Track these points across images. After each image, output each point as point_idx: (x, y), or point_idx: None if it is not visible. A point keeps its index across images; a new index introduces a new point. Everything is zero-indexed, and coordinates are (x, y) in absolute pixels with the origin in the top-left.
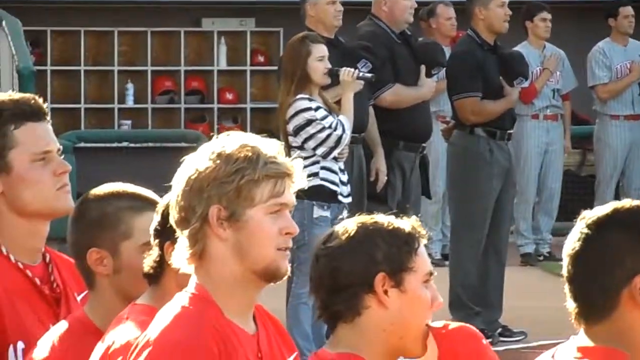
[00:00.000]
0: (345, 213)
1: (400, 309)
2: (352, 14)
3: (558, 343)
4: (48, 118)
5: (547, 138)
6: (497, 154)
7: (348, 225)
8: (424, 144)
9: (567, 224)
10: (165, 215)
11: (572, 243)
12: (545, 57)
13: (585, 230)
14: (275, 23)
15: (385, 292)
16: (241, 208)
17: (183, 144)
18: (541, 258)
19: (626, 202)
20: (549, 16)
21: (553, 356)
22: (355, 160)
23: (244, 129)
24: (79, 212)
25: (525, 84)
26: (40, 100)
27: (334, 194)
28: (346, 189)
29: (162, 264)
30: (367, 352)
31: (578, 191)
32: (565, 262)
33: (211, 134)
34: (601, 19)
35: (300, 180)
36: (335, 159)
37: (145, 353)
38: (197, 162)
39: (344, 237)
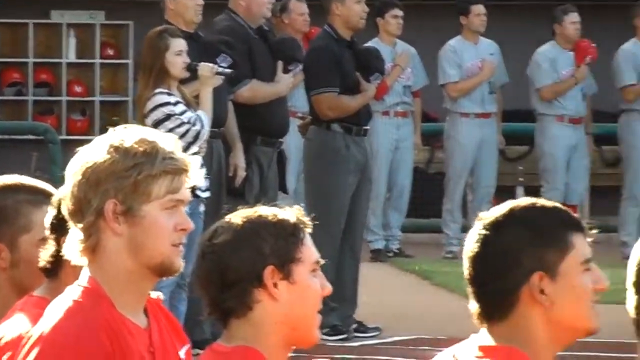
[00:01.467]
0: (202, 207)
1: (291, 301)
2: (212, 9)
3: (412, 338)
4: None
5: (398, 135)
6: (354, 150)
7: (233, 220)
8: (281, 140)
9: (416, 221)
10: (60, 209)
11: (470, 245)
12: (396, 53)
13: (483, 232)
14: (125, 16)
15: (275, 284)
16: (137, 203)
17: (31, 137)
18: (391, 254)
19: (522, 201)
20: (400, 13)
21: (454, 355)
22: (214, 155)
23: (92, 122)
24: None
25: (380, 80)
26: None
27: (192, 188)
28: (204, 184)
29: (58, 258)
30: (262, 345)
31: (426, 188)
32: (465, 264)
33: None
34: (454, 17)
35: (195, 177)
36: (195, 153)
37: (36, 348)
38: (94, 154)
39: (229, 233)
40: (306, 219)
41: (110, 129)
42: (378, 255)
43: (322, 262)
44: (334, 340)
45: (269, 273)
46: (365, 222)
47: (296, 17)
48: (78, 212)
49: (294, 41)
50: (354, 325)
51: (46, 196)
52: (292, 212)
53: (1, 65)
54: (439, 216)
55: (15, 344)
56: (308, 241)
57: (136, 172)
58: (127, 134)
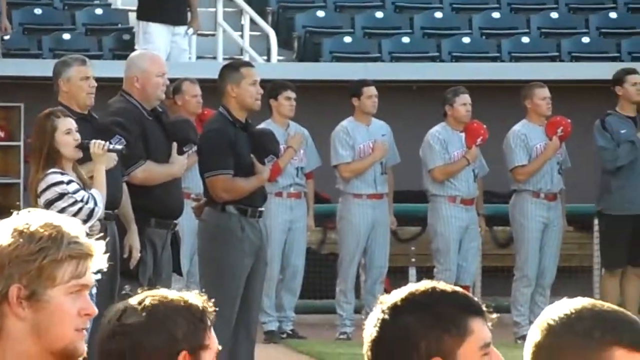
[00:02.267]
0: (94, 290)
1: None
2: (106, 90)
3: None
4: None
5: (291, 216)
6: (249, 232)
7: (143, 301)
8: (175, 221)
9: (309, 302)
10: None
11: (369, 328)
12: (289, 135)
13: (382, 316)
14: (15, 98)
15: None
16: (42, 288)
17: None
18: (284, 335)
19: (421, 285)
20: (293, 95)
21: None
22: (109, 237)
23: None
24: None
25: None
26: None
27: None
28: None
29: None
30: None
31: (320, 269)
32: (365, 348)
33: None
34: (346, 98)
35: (100, 261)
36: (88, 234)
37: None
38: None
39: (143, 314)
40: (209, 305)
41: (14, 213)
42: (272, 337)
43: (220, 348)
44: None
45: (182, 359)
46: (260, 303)
47: (189, 98)
48: None
49: (188, 122)
50: None
51: None
52: (197, 297)
53: None
54: (332, 297)
55: None
56: (212, 328)
57: (41, 256)
58: (31, 218)
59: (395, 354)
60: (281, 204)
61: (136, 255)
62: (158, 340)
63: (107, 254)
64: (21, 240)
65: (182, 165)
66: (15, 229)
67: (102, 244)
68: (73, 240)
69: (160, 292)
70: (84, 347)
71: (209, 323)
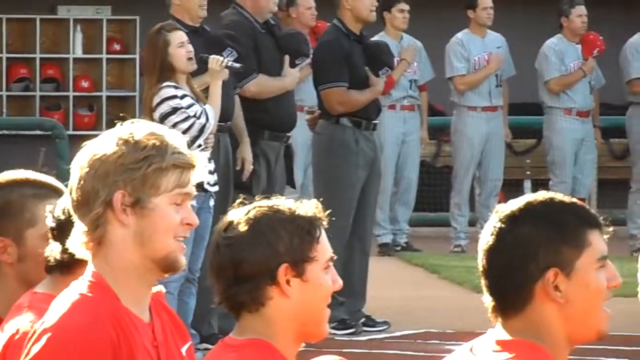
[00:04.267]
0: (212, 202)
1: (303, 298)
2: (218, 3)
3: (420, 332)
4: None
5: (404, 128)
6: (363, 144)
7: (249, 213)
8: (288, 134)
9: (423, 215)
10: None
11: (486, 237)
12: (403, 48)
13: (499, 225)
14: (131, 11)
15: (288, 282)
16: (146, 196)
17: (38, 132)
18: (399, 248)
19: (539, 195)
20: (407, 7)
21: (471, 349)
22: (221, 149)
23: (99, 117)
24: None
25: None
26: None
27: (200, 183)
28: (212, 178)
29: (64, 254)
30: (274, 339)
31: (434, 182)
32: (480, 257)
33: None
34: (461, 10)
35: (201, 173)
36: (199, 147)
37: (43, 340)
38: (103, 147)
39: (245, 226)
40: (322, 215)
41: (118, 123)
42: (386, 249)
43: (335, 257)
44: (342, 335)
45: (283, 271)
46: (374, 216)
47: (303, 10)
48: (85, 204)
49: (301, 35)
50: (362, 320)
51: (51, 190)
52: (309, 207)
53: (8, 61)
54: (446, 210)
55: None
56: (323, 238)
57: (146, 164)
58: (135, 128)
59: (512, 263)
60: (394, 116)
61: (249, 167)
62: (259, 252)
63: (220, 166)
64: (125, 148)
65: (295, 78)
66: (120, 138)
67: (204, 156)
68: (177, 150)
69: (270, 203)
70: (183, 260)
71: (317, 234)
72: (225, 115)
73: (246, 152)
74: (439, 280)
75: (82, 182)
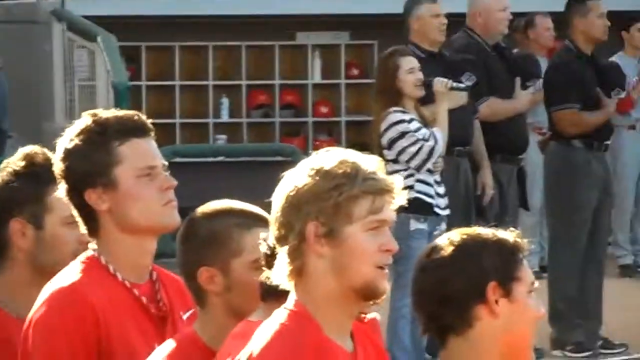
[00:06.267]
0: (443, 226)
1: (511, 319)
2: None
3: None
4: (152, 134)
5: None
6: (595, 165)
7: (452, 237)
8: (520, 156)
9: None
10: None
11: None
12: None
13: None
14: (369, 36)
15: (497, 301)
16: (339, 225)
17: (278, 158)
18: (639, 269)
19: None
20: None
21: None
22: (461, 174)
23: (338, 143)
24: (187, 230)
25: (622, 95)
26: (144, 117)
27: (430, 206)
28: (443, 201)
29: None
30: None
31: None
32: None
33: (310, 151)
34: None
35: (400, 197)
36: (430, 171)
37: None
38: (295, 178)
39: (450, 248)
40: (524, 242)
41: (313, 153)
42: (627, 271)
43: (537, 284)
44: (578, 358)
45: (492, 289)
46: (608, 237)
47: (542, 32)
48: (283, 237)
49: (532, 57)
50: (600, 342)
51: (256, 219)
52: (510, 233)
53: (248, 87)
54: None
55: None
56: (526, 262)
57: (337, 193)
58: (328, 156)
59: None
60: (635, 136)
61: (489, 192)
62: (466, 270)
63: (460, 191)
64: (317, 178)
65: (526, 100)
66: (312, 168)
67: (400, 180)
68: (369, 176)
69: (472, 229)
70: (386, 285)
71: (520, 256)
72: (465, 139)
73: (486, 176)
74: None
75: (278, 215)
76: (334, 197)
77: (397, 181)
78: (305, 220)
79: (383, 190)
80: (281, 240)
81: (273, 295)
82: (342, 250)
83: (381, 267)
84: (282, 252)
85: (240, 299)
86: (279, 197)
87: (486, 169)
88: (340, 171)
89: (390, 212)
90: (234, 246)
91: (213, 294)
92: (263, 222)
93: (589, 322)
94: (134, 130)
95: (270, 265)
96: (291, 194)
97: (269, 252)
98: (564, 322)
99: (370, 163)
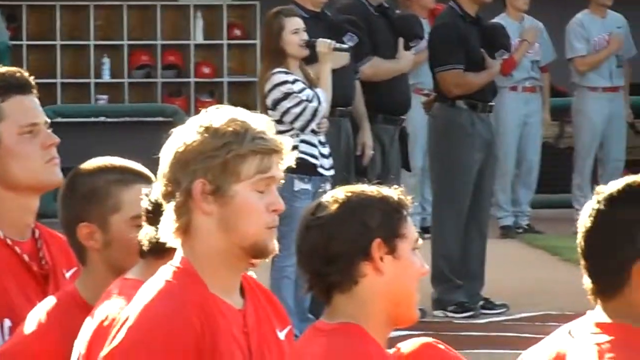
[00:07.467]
0: (328, 186)
1: (395, 276)
2: None
3: (540, 315)
4: (34, 91)
5: (526, 110)
6: (479, 126)
7: (337, 195)
8: (402, 117)
9: (545, 197)
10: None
11: (584, 219)
12: (524, 29)
13: (597, 206)
14: None
15: (381, 258)
16: (227, 183)
17: (160, 119)
18: (520, 230)
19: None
20: None
21: (570, 332)
22: (342, 134)
23: (220, 103)
24: (68, 187)
25: (506, 56)
26: (26, 74)
27: (314, 166)
28: (327, 162)
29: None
30: (366, 322)
31: (556, 163)
32: (579, 238)
33: (192, 112)
34: None
35: (289, 157)
36: (314, 131)
37: (126, 326)
38: (184, 135)
39: (335, 206)
40: (408, 199)
41: (202, 110)
42: (507, 232)
43: (421, 242)
44: (460, 318)
45: (377, 246)
46: (491, 198)
47: None
48: (169, 193)
49: (415, 18)
50: (481, 302)
51: (137, 175)
52: (394, 191)
53: (130, 48)
54: (569, 192)
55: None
56: (410, 220)
57: (225, 151)
58: (217, 115)
59: (608, 245)
60: (516, 98)
61: (369, 152)
62: (351, 229)
63: (342, 151)
64: (206, 135)
65: (409, 60)
66: (201, 126)
67: (289, 140)
68: (258, 135)
69: (356, 187)
70: (274, 244)
71: (404, 213)
72: (346, 99)
73: (366, 136)
74: (560, 263)
75: (165, 171)
76: (222, 155)
77: (286, 141)
78: (192, 178)
79: (272, 150)
80: (167, 196)
81: (151, 252)
82: (229, 209)
83: (270, 228)
84: (169, 209)
85: (119, 256)
86: (167, 153)
87: (366, 129)
88: (230, 129)
89: (278, 171)
90: (113, 202)
91: (93, 250)
92: (144, 179)
93: (471, 282)
94: (16, 87)
95: (151, 222)
96: (179, 150)
97: (150, 208)
98: (446, 283)
99: (259, 122)
